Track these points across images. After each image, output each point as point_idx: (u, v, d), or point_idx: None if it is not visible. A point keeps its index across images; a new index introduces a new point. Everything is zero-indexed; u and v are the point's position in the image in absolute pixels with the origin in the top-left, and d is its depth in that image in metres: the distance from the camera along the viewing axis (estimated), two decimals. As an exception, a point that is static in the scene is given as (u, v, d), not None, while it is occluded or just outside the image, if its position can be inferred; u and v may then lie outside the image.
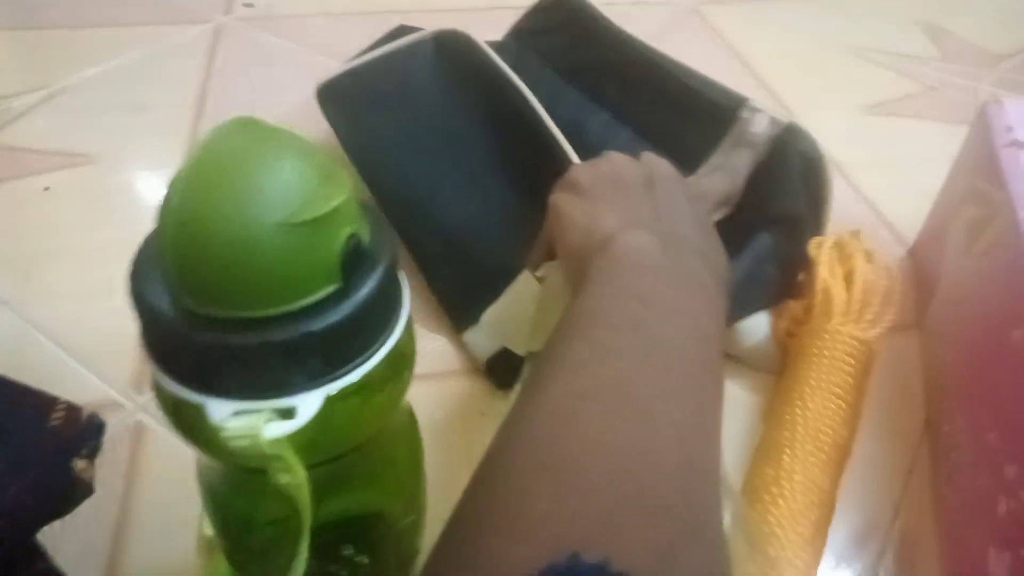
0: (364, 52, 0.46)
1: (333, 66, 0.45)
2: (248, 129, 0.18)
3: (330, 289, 0.18)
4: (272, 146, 0.18)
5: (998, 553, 0.27)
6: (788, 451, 0.32)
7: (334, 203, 0.18)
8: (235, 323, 0.17)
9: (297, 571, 0.18)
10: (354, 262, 0.18)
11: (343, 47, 0.51)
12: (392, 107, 0.43)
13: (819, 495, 0.31)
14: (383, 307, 0.19)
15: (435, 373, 0.38)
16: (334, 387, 0.18)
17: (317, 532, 0.19)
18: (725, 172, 0.41)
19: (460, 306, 0.39)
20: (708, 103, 0.43)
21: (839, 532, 0.32)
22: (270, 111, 0.49)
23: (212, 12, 0.67)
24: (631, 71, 0.45)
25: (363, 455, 0.21)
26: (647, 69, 0.45)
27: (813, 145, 0.41)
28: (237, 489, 0.21)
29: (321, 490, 0.19)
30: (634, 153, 0.32)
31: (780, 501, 0.30)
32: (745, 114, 0.41)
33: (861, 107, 0.60)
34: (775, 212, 0.39)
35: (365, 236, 0.19)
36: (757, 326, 0.39)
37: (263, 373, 0.17)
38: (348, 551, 0.24)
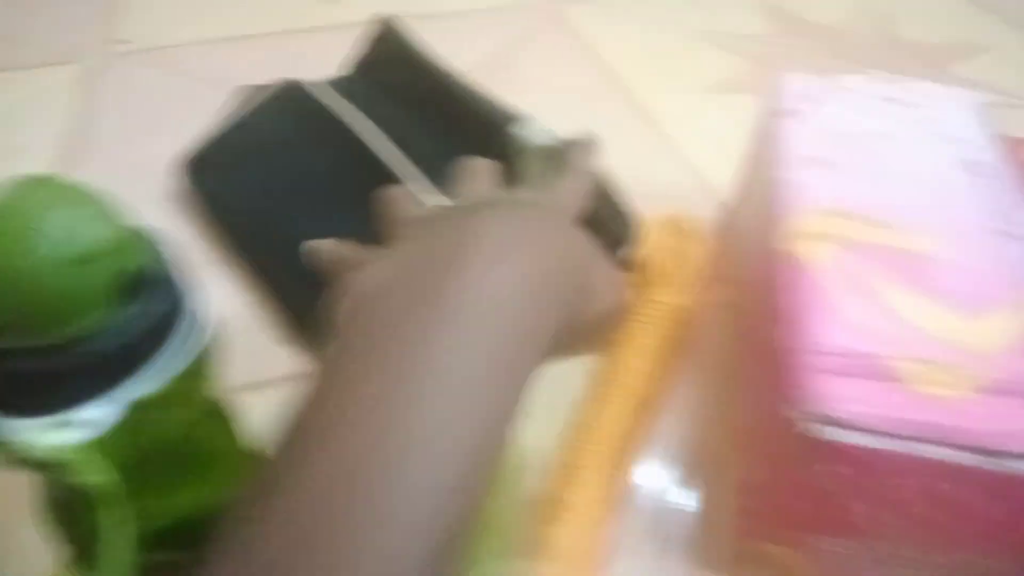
0: (226, 117, 0.50)
1: (221, 97, 0.48)
2: (35, 183, 0.21)
3: (106, 315, 0.21)
4: (49, 196, 0.21)
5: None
6: (601, 401, 0.37)
7: (104, 241, 0.21)
8: (17, 350, 0.20)
9: (111, 566, 0.21)
10: (130, 290, 0.21)
11: (233, 75, 0.53)
12: (255, 165, 0.47)
13: (622, 437, 0.35)
14: (161, 328, 0.22)
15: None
16: (119, 398, 0.21)
17: (160, 532, 0.22)
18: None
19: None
20: (489, 124, 0.45)
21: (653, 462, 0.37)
22: (153, 151, 0.52)
23: (83, 51, 0.68)
24: (443, 102, 0.47)
25: (177, 453, 0.25)
26: (452, 100, 0.47)
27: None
28: (62, 497, 0.24)
29: (142, 490, 0.23)
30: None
31: (588, 445, 0.34)
32: (516, 129, 0.44)
33: (706, 87, 0.65)
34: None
35: (142, 266, 0.22)
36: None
37: (48, 391, 0.20)
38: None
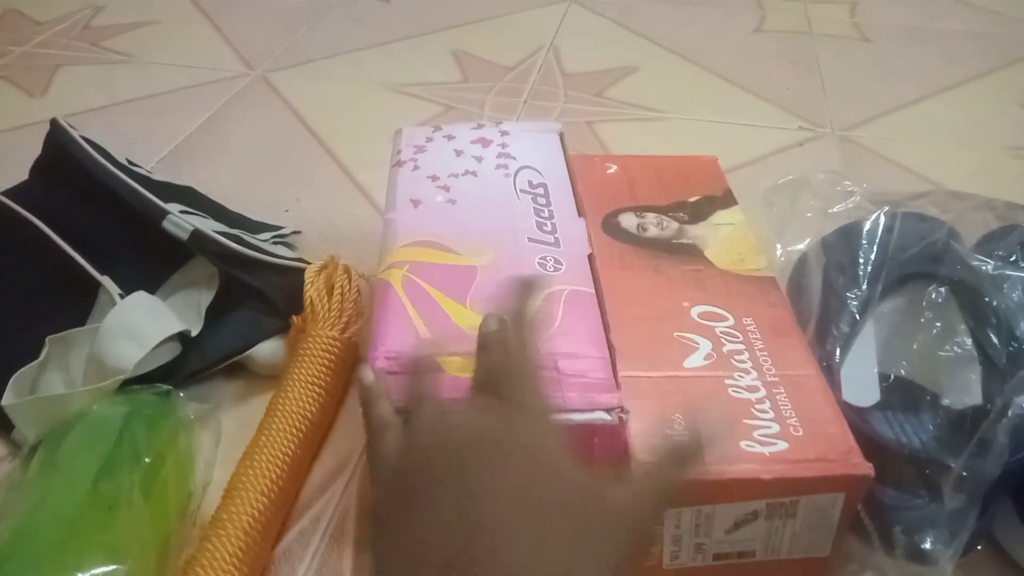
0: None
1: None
2: None
3: None
4: None
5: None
6: (266, 429, 0.42)
7: None
8: None
9: None
10: None
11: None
12: None
13: (283, 459, 0.41)
14: None
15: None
16: None
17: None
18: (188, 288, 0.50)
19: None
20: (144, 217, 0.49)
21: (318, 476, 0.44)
22: None
23: None
24: (107, 198, 0.50)
25: None
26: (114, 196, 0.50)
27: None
28: None
29: None
30: None
31: (248, 467, 0.40)
32: (168, 225, 0.48)
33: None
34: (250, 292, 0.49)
35: None
36: (274, 348, 0.49)
37: None
38: None
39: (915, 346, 0.42)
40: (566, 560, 0.25)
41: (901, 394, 0.42)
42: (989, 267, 0.41)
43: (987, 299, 0.40)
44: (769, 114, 0.76)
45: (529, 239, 0.41)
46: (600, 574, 0.25)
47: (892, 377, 0.42)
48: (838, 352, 0.42)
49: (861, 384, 0.42)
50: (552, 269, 0.39)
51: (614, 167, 0.52)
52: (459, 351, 0.35)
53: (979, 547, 0.39)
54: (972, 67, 0.84)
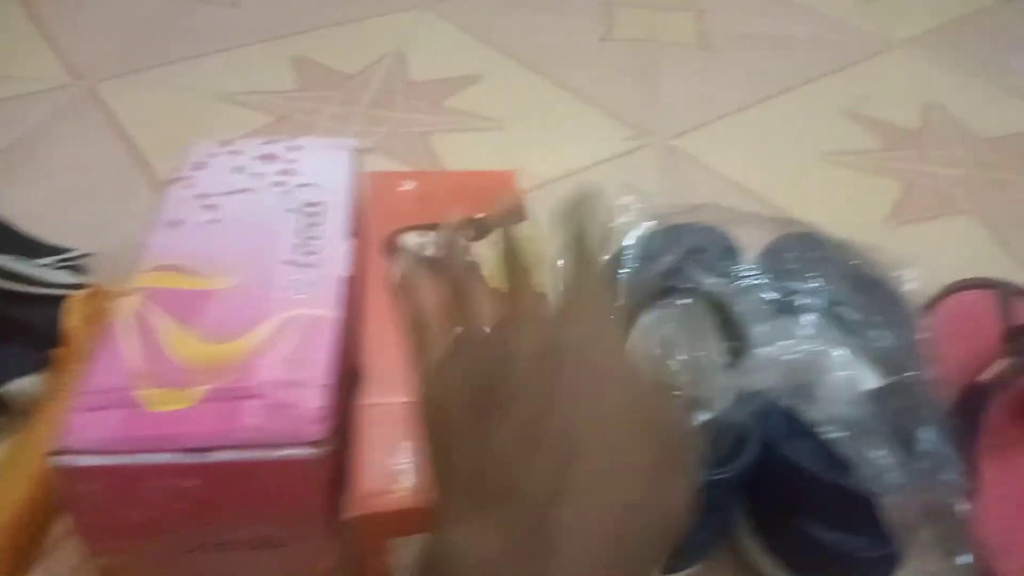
0: None
1: None
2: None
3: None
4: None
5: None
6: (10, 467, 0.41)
7: None
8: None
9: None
10: None
11: None
12: None
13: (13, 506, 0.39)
14: None
15: None
16: None
17: None
18: None
19: None
20: None
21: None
22: None
23: None
24: None
25: None
26: None
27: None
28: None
29: None
30: None
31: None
32: None
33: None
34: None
35: None
36: (31, 383, 0.47)
37: None
38: None
39: (675, 356, 0.44)
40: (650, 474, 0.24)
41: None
42: (732, 280, 0.42)
43: (732, 310, 0.42)
44: (601, 123, 0.77)
45: (283, 261, 0.41)
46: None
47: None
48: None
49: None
50: (298, 294, 0.39)
51: (410, 184, 0.52)
52: (161, 384, 0.34)
53: (715, 553, 0.41)
54: (804, 73, 0.87)
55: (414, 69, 0.85)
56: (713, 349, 0.43)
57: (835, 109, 0.81)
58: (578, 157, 0.71)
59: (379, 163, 0.69)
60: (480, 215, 0.50)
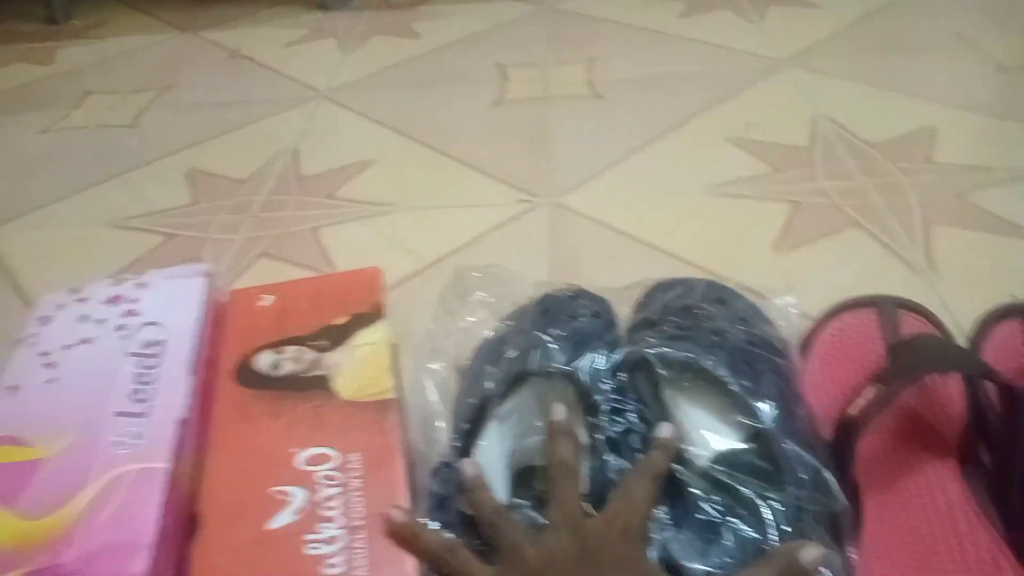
0: None
1: None
2: None
3: None
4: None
5: None
6: None
7: None
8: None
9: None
10: None
11: None
12: None
13: None
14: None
15: None
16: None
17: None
18: None
19: None
20: None
21: None
22: None
23: None
24: None
25: None
26: None
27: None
28: None
29: None
30: None
31: None
32: None
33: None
34: None
35: None
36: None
37: None
38: None
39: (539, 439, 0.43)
40: None
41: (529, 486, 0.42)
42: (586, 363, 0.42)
43: (590, 392, 0.41)
44: (491, 191, 0.77)
45: (116, 413, 0.40)
46: None
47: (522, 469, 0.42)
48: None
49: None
50: (127, 448, 0.38)
51: (269, 298, 0.52)
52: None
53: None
54: (691, 108, 0.88)
55: (307, 164, 0.85)
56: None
57: (723, 139, 0.82)
58: (467, 230, 0.71)
59: (267, 268, 0.69)
60: (339, 320, 0.49)
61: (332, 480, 0.38)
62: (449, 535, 0.35)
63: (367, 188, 0.80)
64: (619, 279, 0.54)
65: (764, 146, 0.80)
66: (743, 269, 0.63)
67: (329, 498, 0.37)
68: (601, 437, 0.41)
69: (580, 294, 0.51)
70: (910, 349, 0.48)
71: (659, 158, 0.80)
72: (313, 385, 0.44)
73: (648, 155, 0.81)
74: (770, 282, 0.61)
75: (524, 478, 0.42)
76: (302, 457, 0.40)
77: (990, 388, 0.46)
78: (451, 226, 0.72)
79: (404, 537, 0.35)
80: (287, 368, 0.46)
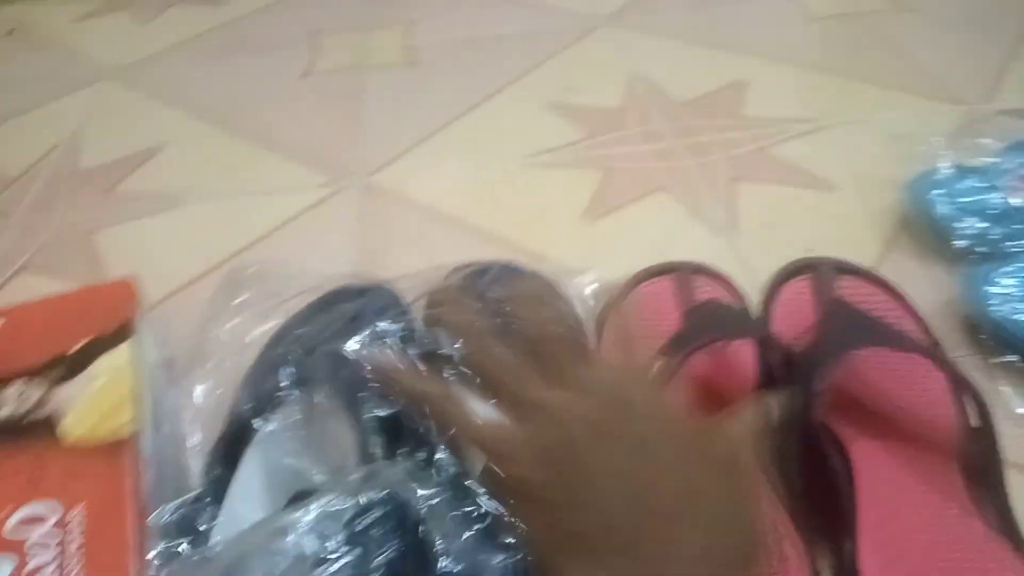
0: None
1: None
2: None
3: None
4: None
5: None
6: None
7: None
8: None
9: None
10: None
11: None
12: None
13: None
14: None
15: None
16: None
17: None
18: None
19: None
20: None
21: None
22: None
23: None
24: None
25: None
26: None
27: None
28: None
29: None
30: None
31: None
32: None
33: None
34: None
35: None
36: None
37: None
38: None
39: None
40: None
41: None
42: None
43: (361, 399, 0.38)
44: (294, 174, 0.71)
45: None
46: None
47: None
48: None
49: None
50: None
51: (-2, 323, 0.45)
52: None
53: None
54: (511, 71, 0.84)
55: (87, 155, 0.76)
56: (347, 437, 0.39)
57: (541, 104, 0.79)
58: (264, 221, 0.65)
59: (26, 285, 0.60)
60: (77, 345, 0.43)
61: (46, 546, 0.33)
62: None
63: (152, 180, 0.72)
64: (430, 261, 0.51)
65: (581, 110, 0.77)
66: (553, 241, 0.61)
67: (41, 567, 0.32)
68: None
69: (363, 289, 0.47)
70: (697, 317, 0.48)
71: (475, 128, 0.76)
72: (34, 431, 0.38)
73: (464, 125, 0.77)
74: (577, 253, 0.60)
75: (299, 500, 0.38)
76: (13, 520, 0.34)
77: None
78: (247, 218, 0.66)
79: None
80: (7, 410, 0.39)
